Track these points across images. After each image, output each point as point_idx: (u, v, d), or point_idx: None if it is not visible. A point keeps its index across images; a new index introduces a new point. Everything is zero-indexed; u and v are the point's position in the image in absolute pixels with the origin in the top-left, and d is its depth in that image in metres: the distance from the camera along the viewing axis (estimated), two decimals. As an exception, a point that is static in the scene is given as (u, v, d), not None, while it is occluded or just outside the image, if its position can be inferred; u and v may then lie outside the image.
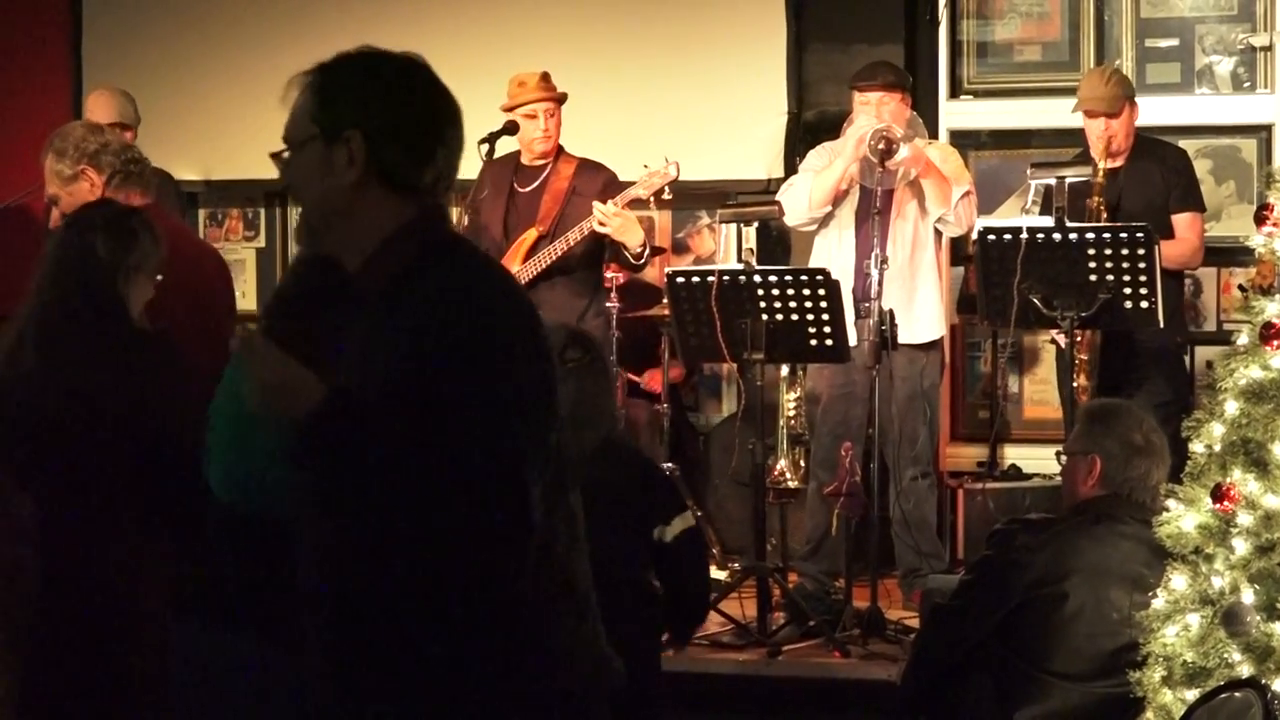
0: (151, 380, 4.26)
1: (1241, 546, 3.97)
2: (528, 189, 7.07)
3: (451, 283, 2.80)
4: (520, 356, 2.79)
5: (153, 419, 4.20)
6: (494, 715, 2.79)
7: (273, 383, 2.76)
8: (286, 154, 2.92)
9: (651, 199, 6.97)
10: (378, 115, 2.84)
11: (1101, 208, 6.72)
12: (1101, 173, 6.76)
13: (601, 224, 6.79)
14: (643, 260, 6.94)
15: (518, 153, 7.13)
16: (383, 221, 2.85)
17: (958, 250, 7.68)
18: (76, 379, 4.21)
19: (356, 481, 2.72)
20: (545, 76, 7.05)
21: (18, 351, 4.27)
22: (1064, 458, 4.93)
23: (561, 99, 7.06)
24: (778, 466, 7.07)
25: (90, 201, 4.84)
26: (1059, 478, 6.35)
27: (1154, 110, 7.33)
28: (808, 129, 8.16)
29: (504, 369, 2.75)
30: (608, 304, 7.11)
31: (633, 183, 6.93)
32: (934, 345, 6.94)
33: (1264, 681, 3.84)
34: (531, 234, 6.96)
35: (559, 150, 7.10)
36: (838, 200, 6.86)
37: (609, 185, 7.00)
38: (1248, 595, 3.93)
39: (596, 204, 6.82)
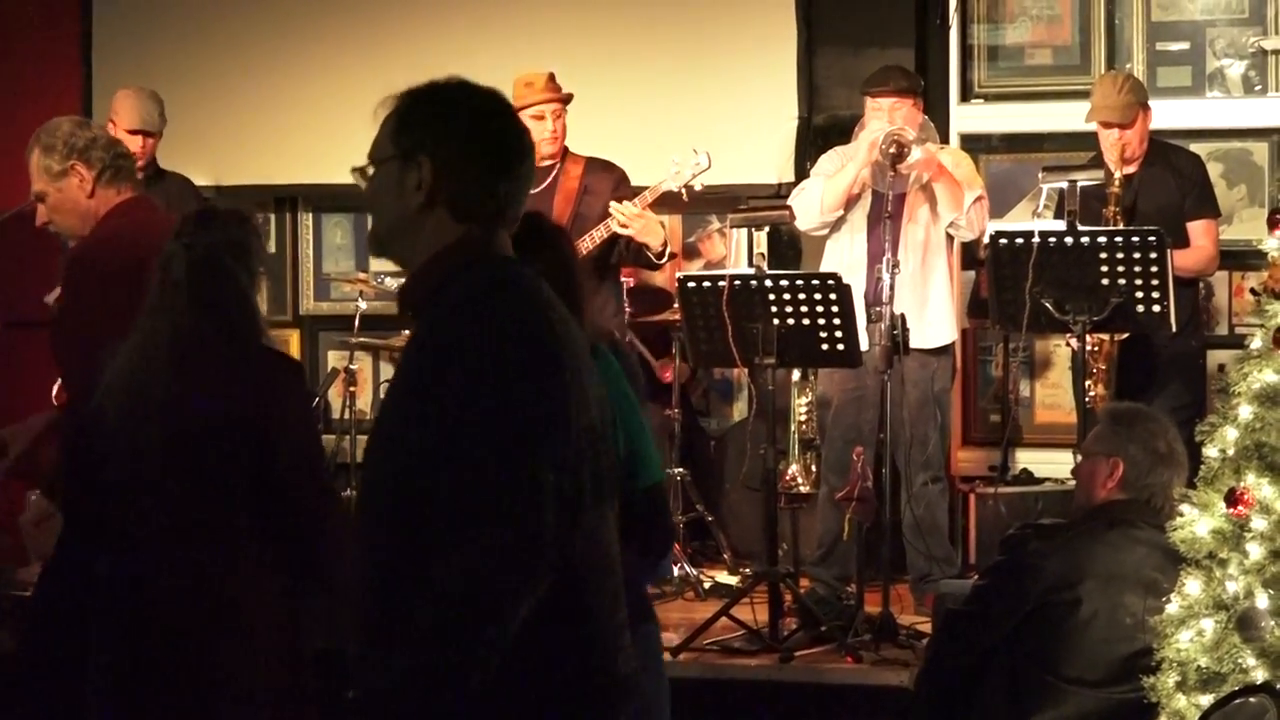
0: (287, 401, 4.25)
1: (1256, 551, 3.95)
2: (536, 191, 7.05)
3: (469, 294, 2.90)
4: (529, 371, 2.83)
5: (289, 439, 4.19)
6: None
7: None
8: (369, 169, 3.05)
9: (683, 191, 6.98)
10: (447, 146, 2.97)
11: (1118, 218, 6.71)
12: (1118, 182, 6.75)
13: (623, 225, 6.79)
14: (664, 260, 6.96)
15: None
16: (436, 243, 2.98)
17: (969, 254, 7.67)
18: (228, 405, 4.13)
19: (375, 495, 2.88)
20: (551, 77, 7.05)
21: (144, 377, 4.17)
22: (1080, 458, 4.92)
23: (567, 99, 7.07)
24: (789, 471, 7.07)
25: (129, 209, 4.78)
26: (1072, 482, 6.36)
27: (1165, 113, 7.32)
28: (819, 133, 8.16)
29: (507, 383, 2.81)
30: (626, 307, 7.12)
31: (644, 188, 6.95)
32: (945, 350, 6.93)
33: (1279, 686, 3.83)
34: (545, 234, 6.95)
35: (565, 150, 7.11)
36: (850, 204, 6.85)
37: (621, 183, 7.01)
38: (1262, 600, 3.91)
39: (615, 205, 6.82)
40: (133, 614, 4.12)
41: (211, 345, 4.19)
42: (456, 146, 2.98)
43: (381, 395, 8.35)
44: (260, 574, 4.15)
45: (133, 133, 7.30)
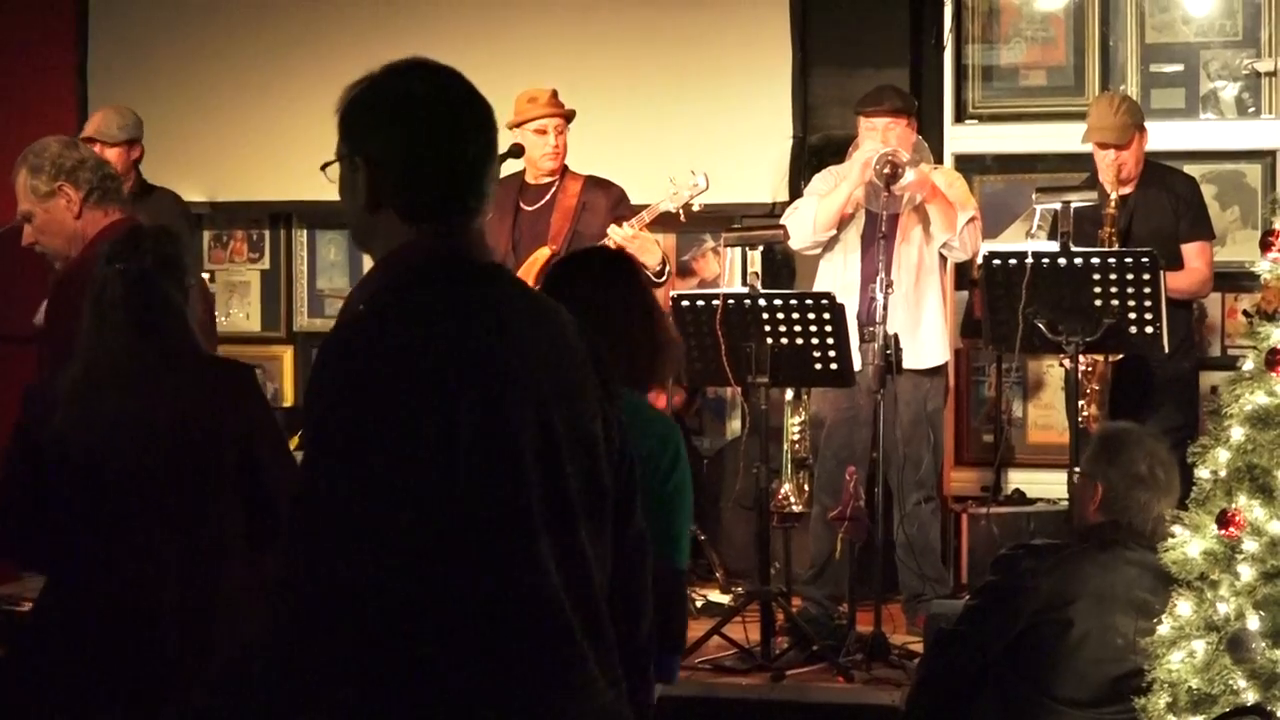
0: (242, 404, 4.27)
1: (1247, 573, 3.96)
2: (534, 207, 7.08)
3: (368, 308, 2.74)
4: (391, 390, 2.59)
5: (247, 446, 4.20)
6: None
7: None
8: (329, 168, 2.88)
9: (681, 212, 6.99)
10: (376, 143, 2.77)
11: (1114, 239, 6.72)
12: (1113, 203, 6.76)
13: (621, 247, 6.79)
14: (663, 278, 6.97)
15: (521, 173, 7.14)
16: (389, 244, 2.79)
17: (962, 275, 7.67)
18: (182, 419, 4.15)
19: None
20: (554, 94, 7.07)
21: (89, 396, 4.18)
22: (1075, 477, 4.93)
23: (570, 116, 7.09)
24: (781, 490, 7.05)
25: (116, 231, 4.78)
26: (1064, 502, 6.38)
27: (1159, 135, 7.33)
28: (813, 153, 8.16)
29: (361, 400, 2.60)
30: None
31: (642, 206, 6.96)
32: (938, 370, 6.93)
33: (1269, 708, 3.84)
34: (544, 252, 6.96)
35: (564, 168, 7.12)
36: (843, 224, 6.86)
37: (620, 202, 7.02)
38: (1253, 621, 3.92)
39: (613, 228, 6.84)
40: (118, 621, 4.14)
41: (153, 363, 4.20)
42: (384, 142, 2.76)
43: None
44: (247, 577, 4.18)
45: (115, 144, 7.27)
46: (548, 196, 7.07)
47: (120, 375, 4.18)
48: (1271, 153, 7.85)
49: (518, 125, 7.01)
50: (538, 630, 2.64)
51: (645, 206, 6.99)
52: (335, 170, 2.84)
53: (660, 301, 7.56)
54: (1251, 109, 7.94)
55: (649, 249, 6.88)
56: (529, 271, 6.90)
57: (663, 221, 7.21)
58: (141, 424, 4.14)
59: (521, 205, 7.09)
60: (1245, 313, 4.36)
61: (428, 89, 2.81)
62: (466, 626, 2.60)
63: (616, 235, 6.82)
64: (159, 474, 4.14)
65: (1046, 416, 7.98)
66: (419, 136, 2.77)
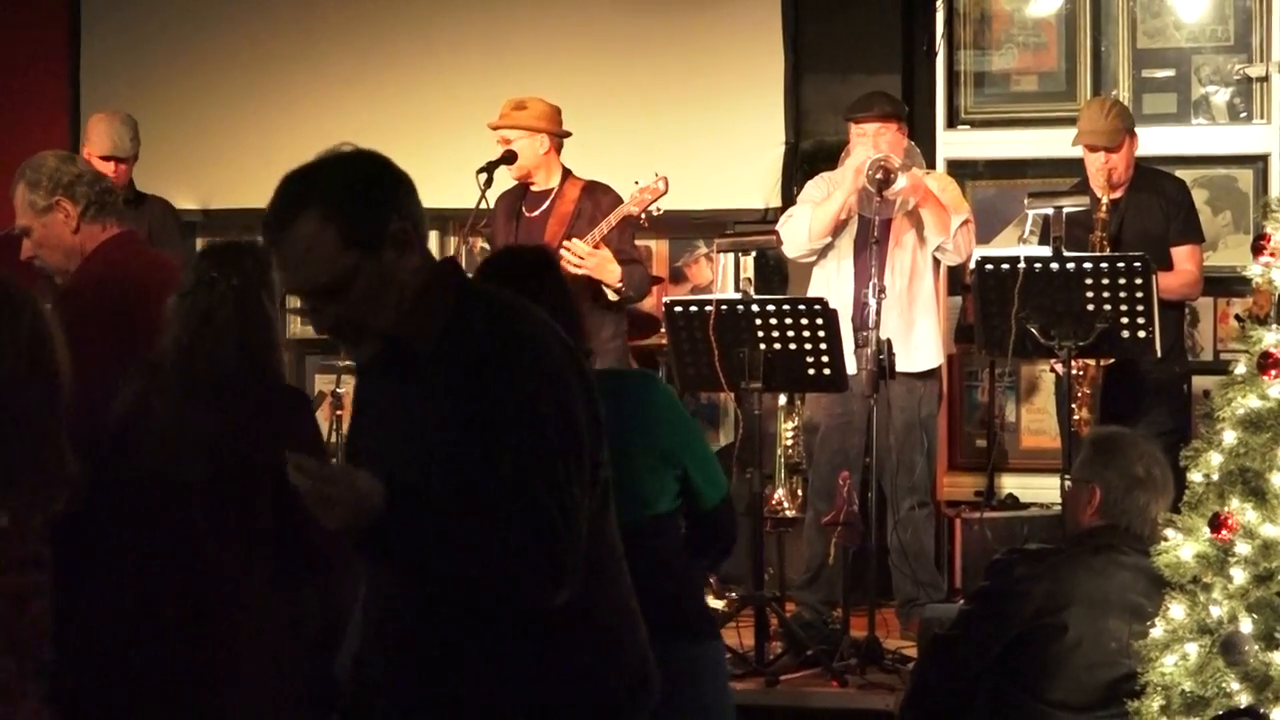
0: (300, 435, 4.30)
1: (1240, 576, 3.96)
2: (535, 213, 7.08)
3: (494, 329, 2.94)
4: (568, 378, 2.95)
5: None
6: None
7: (335, 499, 2.84)
8: (336, 296, 2.95)
9: (643, 216, 6.97)
10: (414, 207, 3.00)
11: (1105, 242, 6.73)
12: (1104, 207, 6.77)
13: (578, 265, 6.77)
14: (625, 295, 6.92)
15: (526, 181, 7.16)
16: (413, 280, 2.97)
17: (955, 280, 7.68)
18: (256, 444, 4.17)
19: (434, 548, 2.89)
20: (517, 103, 7.10)
21: (186, 417, 4.20)
22: (1068, 484, 4.93)
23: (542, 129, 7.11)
24: (775, 496, 7.06)
25: (116, 245, 4.79)
26: (1057, 507, 6.38)
27: (1150, 140, 7.35)
28: (805, 159, 8.18)
29: (562, 399, 2.91)
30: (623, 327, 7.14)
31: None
32: (932, 374, 6.94)
33: (1263, 711, 3.84)
34: (539, 257, 6.95)
35: (566, 173, 7.12)
36: (836, 230, 6.87)
37: (614, 205, 7.01)
38: (1246, 624, 3.92)
39: (566, 245, 6.80)
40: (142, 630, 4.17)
41: (250, 387, 4.25)
42: (414, 200, 3.01)
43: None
44: (271, 604, 4.20)
45: (105, 159, 7.28)
46: (547, 203, 7.07)
47: (202, 389, 4.21)
48: (1263, 157, 7.86)
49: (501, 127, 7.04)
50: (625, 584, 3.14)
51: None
52: (345, 293, 2.94)
53: (652, 306, 7.64)
54: (1243, 114, 7.96)
55: (605, 267, 6.83)
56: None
57: (656, 227, 7.22)
58: (206, 440, 4.17)
59: (524, 211, 7.10)
60: (1237, 317, 4.35)
61: (341, 154, 3.05)
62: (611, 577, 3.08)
63: (568, 257, 6.76)
64: (214, 490, 4.17)
65: (1039, 421, 7.99)
66: (389, 167, 3.04)
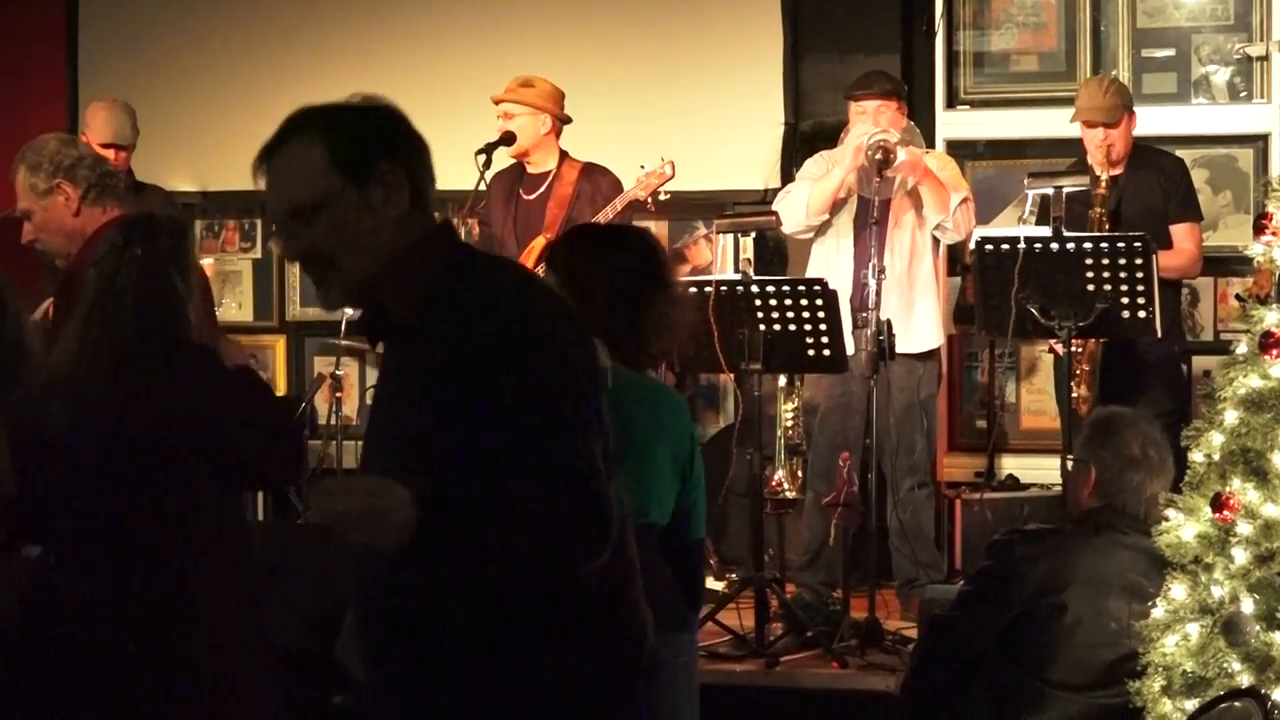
0: (218, 397, 4.28)
1: (1241, 556, 3.97)
2: (532, 196, 7.07)
3: (477, 297, 2.84)
4: (567, 340, 2.86)
5: (224, 435, 4.23)
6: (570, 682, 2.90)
7: (361, 516, 2.75)
8: (307, 219, 2.87)
9: (649, 201, 6.97)
10: (400, 141, 2.90)
11: (1104, 219, 6.72)
12: (1104, 184, 6.77)
13: None
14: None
15: (521, 163, 7.15)
16: (402, 242, 2.89)
17: (955, 260, 7.68)
18: (168, 408, 4.16)
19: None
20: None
21: (84, 385, 4.17)
22: (1070, 464, 4.94)
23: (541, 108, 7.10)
24: (775, 477, 7.05)
25: (138, 220, 4.79)
26: (1057, 487, 6.38)
27: (1150, 120, 7.33)
28: (804, 139, 8.16)
29: (558, 359, 2.82)
30: None
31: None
32: (931, 355, 6.93)
33: (1264, 691, 3.85)
34: (540, 241, 6.95)
35: (563, 156, 7.12)
36: (835, 209, 6.86)
37: (612, 188, 7.01)
38: (1247, 604, 3.93)
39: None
40: (93, 616, 4.14)
41: (150, 354, 4.20)
42: (416, 146, 2.92)
43: (370, 400, 8.34)
44: (223, 573, 4.18)
45: (105, 146, 7.27)
46: (545, 185, 7.06)
47: (108, 362, 4.18)
48: (1263, 137, 7.85)
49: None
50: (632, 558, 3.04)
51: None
52: (317, 218, 2.85)
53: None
54: (1243, 94, 7.94)
55: None
56: (527, 259, 6.89)
57: (653, 210, 7.21)
58: (117, 413, 4.14)
59: (521, 194, 7.09)
60: (1238, 297, 4.35)
61: (361, 102, 2.97)
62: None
63: None
64: (130, 463, 4.14)
65: (1039, 401, 7.99)
66: (405, 122, 2.94)
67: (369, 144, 2.87)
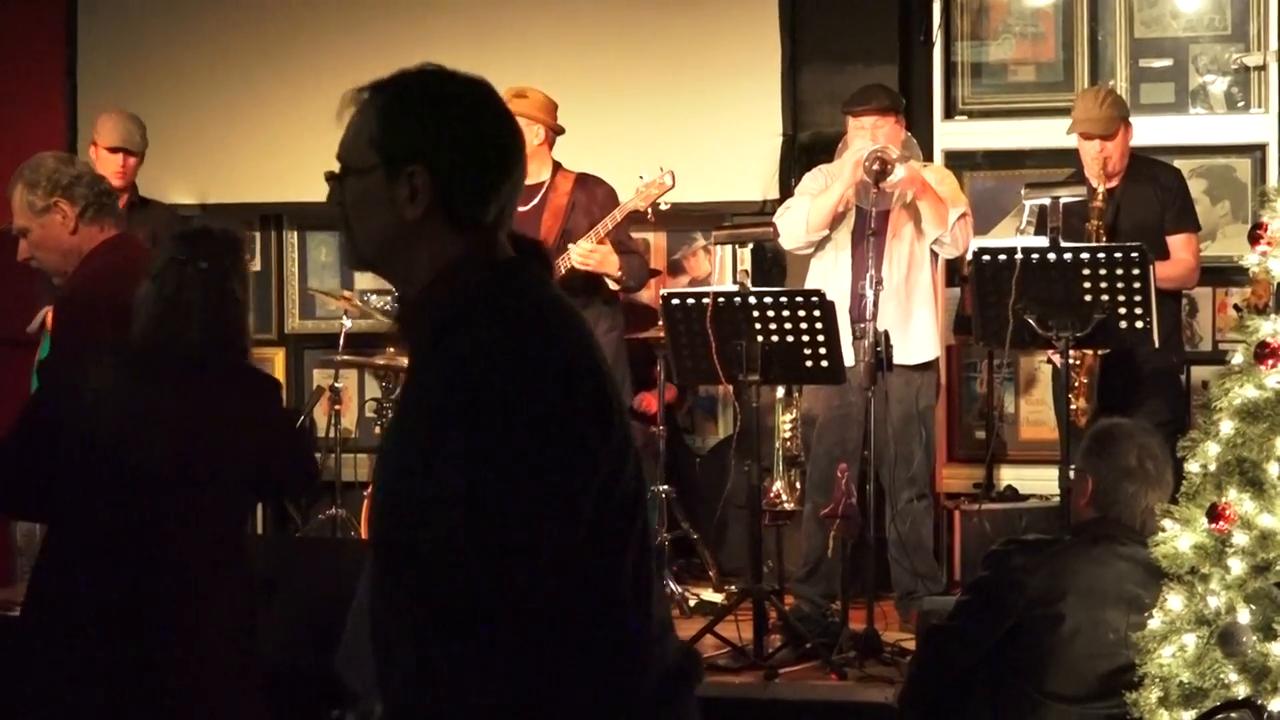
0: (273, 416, 4.41)
1: (1237, 566, 3.96)
2: (526, 207, 7.06)
3: (484, 337, 2.64)
4: (556, 412, 2.60)
5: (264, 460, 4.33)
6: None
7: None
8: (341, 176, 2.75)
9: (649, 211, 6.98)
10: (444, 149, 2.67)
11: (1101, 231, 6.73)
12: (1100, 195, 6.77)
13: (582, 264, 6.83)
14: (625, 285, 6.98)
15: None
16: (438, 256, 2.70)
17: (954, 271, 7.68)
18: (224, 424, 4.22)
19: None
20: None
21: (149, 397, 4.22)
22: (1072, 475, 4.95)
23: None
24: (774, 488, 7.06)
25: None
26: (1056, 498, 6.38)
27: (1148, 130, 7.35)
28: (803, 150, 8.17)
29: (536, 430, 2.58)
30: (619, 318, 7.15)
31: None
32: (930, 366, 6.93)
33: (1260, 702, 3.84)
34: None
35: (556, 166, 7.12)
36: (834, 222, 6.86)
37: (608, 198, 7.01)
38: (1244, 615, 3.92)
39: (572, 248, 6.85)
40: (114, 615, 4.16)
41: (217, 371, 4.28)
42: (453, 150, 2.67)
43: (369, 413, 8.35)
44: (227, 586, 4.20)
45: (113, 150, 7.34)
46: (539, 196, 7.06)
47: (168, 371, 4.24)
48: (1261, 147, 7.87)
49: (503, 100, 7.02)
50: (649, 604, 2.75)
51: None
52: (349, 180, 2.74)
53: (650, 299, 7.64)
54: (1240, 103, 7.96)
55: (607, 260, 6.90)
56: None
57: (652, 220, 7.22)
58: (175, 423, 4.19)
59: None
60: (1236, 307, 4.35)
61: (491, 93, 2.75)
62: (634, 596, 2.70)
63: (575, 256, 6.84)
64: (180, 473, 4.18)
65: (1038, 412, 7.99)
66: (496, 140, 2.72)
67: (414, 140, 2.68)
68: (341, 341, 8.20)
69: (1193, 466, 4.15)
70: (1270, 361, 3.99)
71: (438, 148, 2.67)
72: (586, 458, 2.62)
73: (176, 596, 4.17)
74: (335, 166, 2.77)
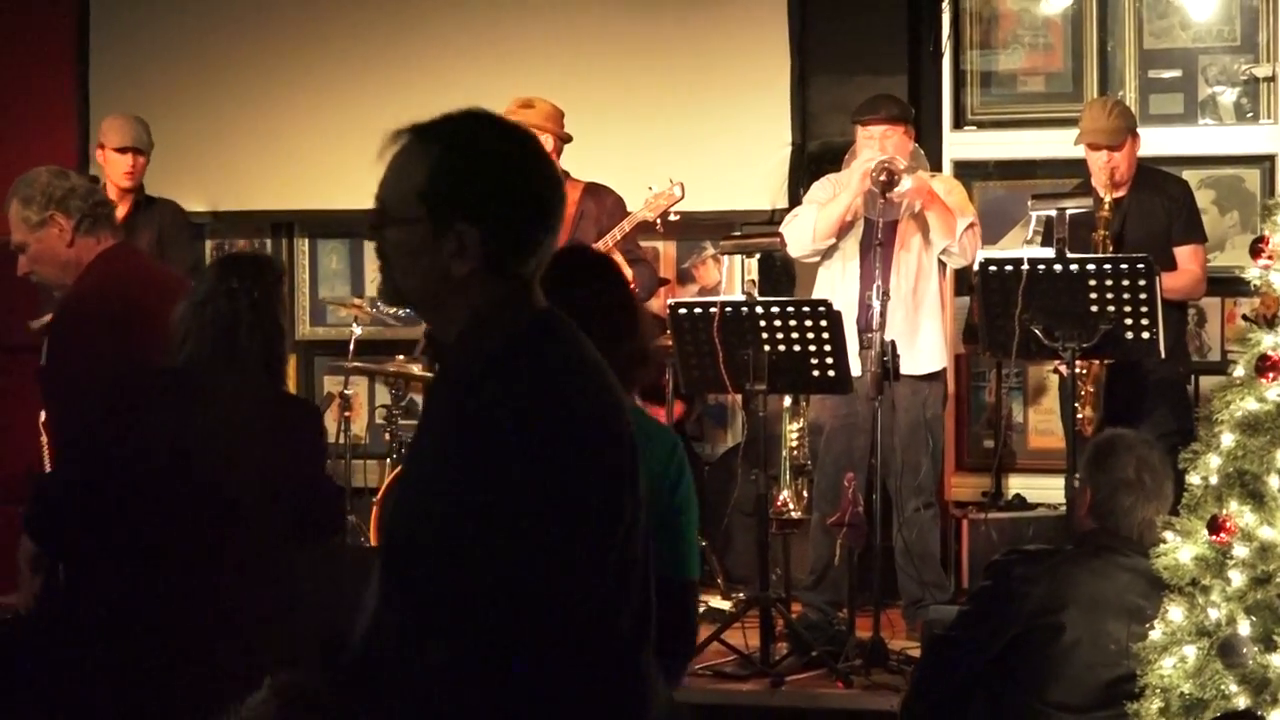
0: (311, 449, 4.45)
1: (1238, 578, 3.98)
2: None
3: (522, 389, 2.67)
4: (591, 463, 2.67)
5: (302, 482, 4.37)
6: None
7: None
8: (383, 224, 2.74)
9: (658, 222, 6.99)
10: (493, 207, 2.70)
11: (1108, 241, 6.73)
12: (1107, 206, 6.78)
13: None
14: (636, 294, 7.00)
15: None
16: (477, 302, 2.73)
17: (963, 281, 7.69)
18: (265, 450, 4.25)
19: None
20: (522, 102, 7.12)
21: (186, 409, 4.25)
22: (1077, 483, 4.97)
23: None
24: (780, 497, 7.07)
25: (111, 257, 4.83)
26: (1064, 508, 6.39)
27: (1157, 141, 7.35)
28: (811, 160, 8.19)
29: (571, 480, 2.64)
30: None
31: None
32: (937, 376, 6.95)
33: (1261, 713, 3.85)
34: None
35: (564, 175, 7.13)
36: (842, 232, 6.88)
37: (616, 207, 7.03)
38: (1244, 627, 3.94)
39: None
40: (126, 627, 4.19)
41: (268, 399, 4.36)
42: (501, 208, 2.70)
43: (379, 419, 8.37)
44: (233, 603, 4.23)
45: (122, 150, 7.38)
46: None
47: (221, 400, 4.26)
48: (1270, 157, 7.86)
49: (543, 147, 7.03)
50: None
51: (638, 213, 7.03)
52: (391, 229, 2.73)
53: (658, 308, 7.65)
54: (1250, 114, 7.96)
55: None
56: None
57: (661, 231, 7.24)
58: (219, 445, 4.21)
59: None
60: (1245, 317, 4.35)
61: (533, 144, 2.80)
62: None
63: None
64: (219, 497, 4.20)
65: (1046, 422, 7.99)
66: (541, 196, 2.76)
67: (463, 197, 2.70)
68: (352, 348, 8.22)
69: (1194, 479, 4.17)
70: (1270, 374, 4.01)
71: (486, 206, 2.69)
72: (615, 509, 2.69)
73: (199, 609, 4.19)
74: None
